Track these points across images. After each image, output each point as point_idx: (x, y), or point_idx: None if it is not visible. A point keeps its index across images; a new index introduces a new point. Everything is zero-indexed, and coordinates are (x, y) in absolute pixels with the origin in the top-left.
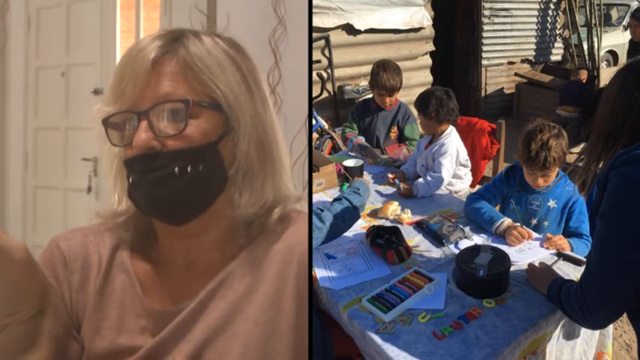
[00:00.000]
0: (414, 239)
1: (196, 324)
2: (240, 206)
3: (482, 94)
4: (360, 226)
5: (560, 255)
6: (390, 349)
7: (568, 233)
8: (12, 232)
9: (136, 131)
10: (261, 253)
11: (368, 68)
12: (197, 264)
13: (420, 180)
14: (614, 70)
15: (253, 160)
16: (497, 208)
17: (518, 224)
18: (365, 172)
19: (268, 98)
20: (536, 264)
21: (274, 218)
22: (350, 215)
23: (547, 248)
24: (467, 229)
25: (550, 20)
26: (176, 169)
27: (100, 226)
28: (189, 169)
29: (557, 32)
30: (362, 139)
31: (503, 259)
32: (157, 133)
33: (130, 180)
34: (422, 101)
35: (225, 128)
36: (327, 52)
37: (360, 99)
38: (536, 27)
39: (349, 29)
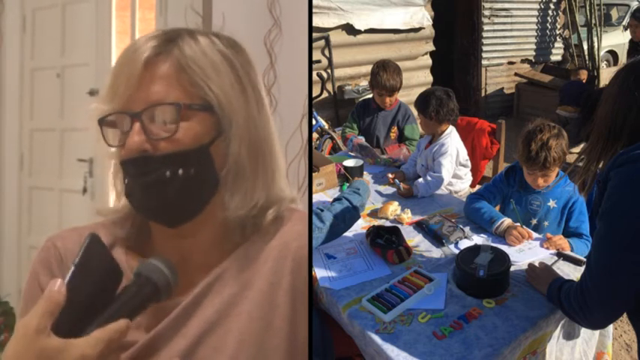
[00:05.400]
0: (414, 239)
1: (191, 319)
2: (231, 207)
3: (483, 94)
4: (360, 226)
5: (560, 255)
6: (390, 349)
7: (568, 233)
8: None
9: (129, 132)
10: (256, 250)
11: (368, 68)
12: (191, 261)
13: (420, 180)
14: (614, 70)
15: (244, 162)
16: (497, 208)
17: (518, 224)
18: (365, 172)
19: (264, 99)
20: (536, 264)
21: (268, 219)
22: (350, 215)
23: (547, 248)
24: (467, 229)
25: (550, 20)
26: (168, 172)
27: (95, 225)
28: (180, 172)
29: (557, 32)
30: (362, 139)
31: (503, 259)
32: (149, 135)
33: (126, 181)
34: (422, 101)
35: (218, 130)
36: (327, 52)
37: (360, 99)
38: (536, 27)
39: (349, 29)
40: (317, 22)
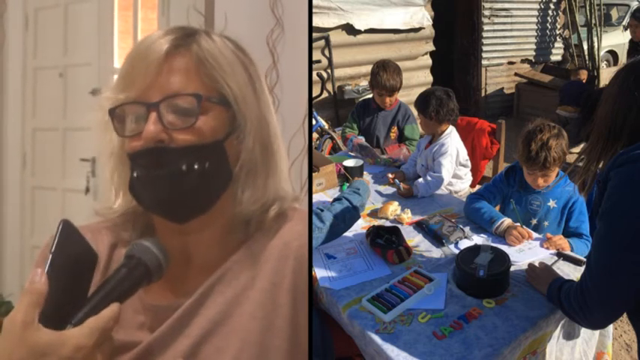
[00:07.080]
0: (414, 239)
1: (194, 319)
2: (243, 202)
3: (483, 94)
4: (360, 226)
5: (560, 255)
6: (390, 349)
7: (568, 233)
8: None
9: (143, 123)
10: (258, 249)
11: (368, 68)
12: (195, 260)
13: (420, 180)
14: (614, 70)
15: (257, 158)
16: (497, 208)
17: (518, 224)
18: (365, 172)
19: (271, 103)
20: (536, 264)
21: (271, 215)
22: (350, 215)
23: (547, 248)
24: (467, 229)
25: (550, 20)
26: (184, 166)
27: (97, 225)
28: (196, 166)
29: (557, 32)
30: (362, 139)
31: (503, 259)
32: (166, 125)
33: (135, 174)
34: (422, 101)
35: (233, 126)
36: (327, 52)
37: (360, 99)
38: (536, 27)
39: (349, 29)
40: (317, 22)
